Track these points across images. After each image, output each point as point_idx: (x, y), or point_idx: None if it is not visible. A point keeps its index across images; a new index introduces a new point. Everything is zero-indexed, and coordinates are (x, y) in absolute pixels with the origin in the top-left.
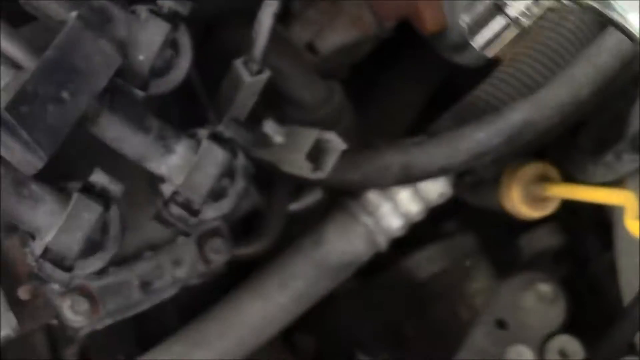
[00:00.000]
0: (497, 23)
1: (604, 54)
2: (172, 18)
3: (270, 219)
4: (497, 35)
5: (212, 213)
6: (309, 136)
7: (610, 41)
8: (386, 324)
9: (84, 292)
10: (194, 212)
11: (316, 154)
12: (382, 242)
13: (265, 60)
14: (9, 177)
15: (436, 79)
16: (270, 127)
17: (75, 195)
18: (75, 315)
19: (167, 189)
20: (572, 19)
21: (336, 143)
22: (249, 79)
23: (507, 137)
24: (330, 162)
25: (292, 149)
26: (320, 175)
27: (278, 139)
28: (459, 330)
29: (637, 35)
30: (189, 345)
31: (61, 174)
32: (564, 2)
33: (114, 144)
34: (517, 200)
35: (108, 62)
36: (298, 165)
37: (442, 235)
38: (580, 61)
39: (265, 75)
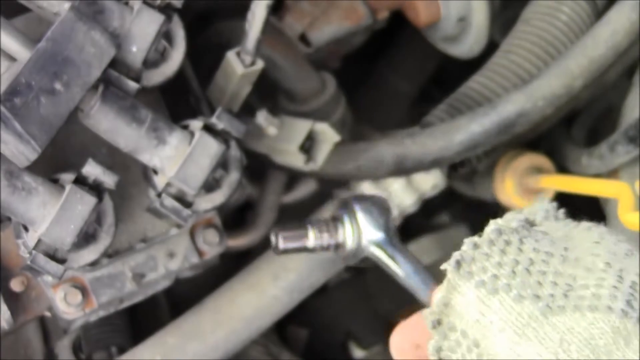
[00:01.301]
0: None
1: (598, 45)
2: (166, 9)
3: (263, 211)
4: None
5: (205, 205)
6: (302, 127)
7: (604, 33)
8: (378, 315)
9: (77, 284)
10: (187, 204)
11: (310, 145)
12: None
13: (258, 51)
14: (3, 169)
15: (428, 70)
16: (263, 118)
17: (69, 187)
18: (68, 307)
19: (160, 181)
20: (566, 10)
21: (330, 134)
22: (242, 70)
23: (500, 128)
24: (323, 153)
25: (285, 140)
26: (314, 166)
27: (271, 130)
28: None
29: None
30: (182, 337)
31: (55, 165)
32: None
33: (107, 136)
34: (511, 192)
35: (101, 53)
36: (291, 156)
37: (435, 227)
38: (574, 52)
39: (259, 66)
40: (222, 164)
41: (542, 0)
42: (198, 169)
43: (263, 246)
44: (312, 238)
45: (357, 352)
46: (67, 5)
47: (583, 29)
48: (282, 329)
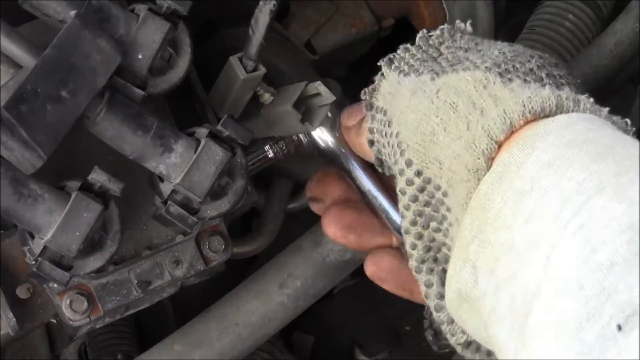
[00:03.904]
0: None
1: (603, 55)
2: (172, 17)
3: (269, 218)
4: None
5: (211, 212)
6: (295, 88)
7: (609, 42)
8: (384, 321)
9: (82, 291)
10: (193, 211)
11: (305, 110)
12: None
13: (261, 56)
14: (8, 176)
15: None
16: (260, 86)
17: (74, 194)
18: (74, 314)
19: (165, 188)
20: (571, 17)
21: (325, 96)
22: (245, 75)
23: None
24: (319, 115)
25: (279, 103)
26: (310, 128)
27: (267, 97)
28: None
29: None
30: (188, 345)
31: (61, 172)
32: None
33: (113, 143)
34: None
35: (107, 61)
36: (287, 117)
37: None
38: (579, 62)
39: (261, 72)
40: (228, 171)
41: (548, 7)
42: (204, 176)
43: (269, 253)
44: (270, 150)
45: (363, 358)
46: (73, 12)
47: (588, 37)
48: (288, 336)
